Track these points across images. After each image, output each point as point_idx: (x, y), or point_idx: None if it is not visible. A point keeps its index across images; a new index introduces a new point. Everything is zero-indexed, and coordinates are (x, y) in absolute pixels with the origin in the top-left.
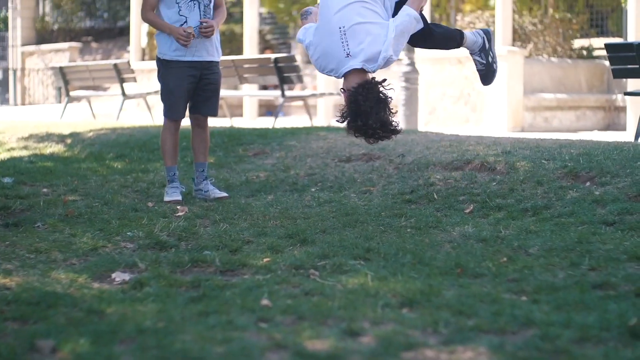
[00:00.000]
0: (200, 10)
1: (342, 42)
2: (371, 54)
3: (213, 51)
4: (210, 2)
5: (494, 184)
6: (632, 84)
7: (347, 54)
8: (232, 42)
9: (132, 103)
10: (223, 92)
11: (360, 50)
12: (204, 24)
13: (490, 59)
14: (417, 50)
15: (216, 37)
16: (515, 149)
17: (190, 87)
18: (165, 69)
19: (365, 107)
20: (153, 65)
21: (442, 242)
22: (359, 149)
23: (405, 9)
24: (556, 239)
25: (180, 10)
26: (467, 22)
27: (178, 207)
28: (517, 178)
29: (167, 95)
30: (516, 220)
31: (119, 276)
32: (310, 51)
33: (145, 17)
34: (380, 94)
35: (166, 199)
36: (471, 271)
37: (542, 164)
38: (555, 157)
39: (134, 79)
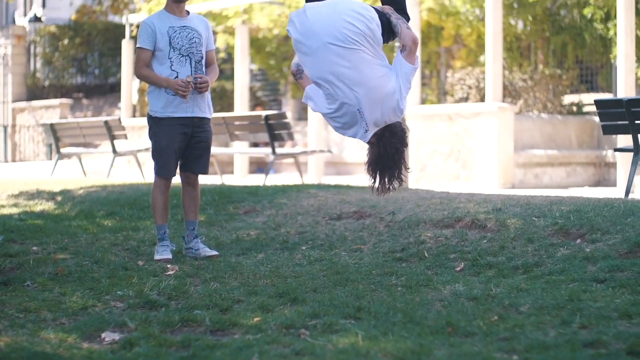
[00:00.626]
0: (191, 66)
1: (361, 121)
2: (388, 123)
3: (205, 108)
4: (201, 58)
5: (485, 241)
6: (622, 139)
7: (366, 130)
8: (223, 99)
9: (122, 160)
10: (214, 150)
11: (377, 125)
12: (199, 79)
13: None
14: (407, 106)
15: (208, 94)
16: (505, 206)
17: (182, 144)
18: (157, 126)
19: (396, 146)
20: (144, 122)
21: (433, 300)
22: (350, 207)
23: (406, 69)
24: (547, 297)
25: (172, 65)
26: (458, 79)
27: (168, 265)
28: (507, 235)
29: (158, 153)
30: (507, 278)
31: (108, 336)
32: (328, 120)
33: (139, 74)
34: (404, 134)
35: (156, 257)
36: (462, 330)
37: (532, 221)
38: (546, 214)
39: (125, 136)
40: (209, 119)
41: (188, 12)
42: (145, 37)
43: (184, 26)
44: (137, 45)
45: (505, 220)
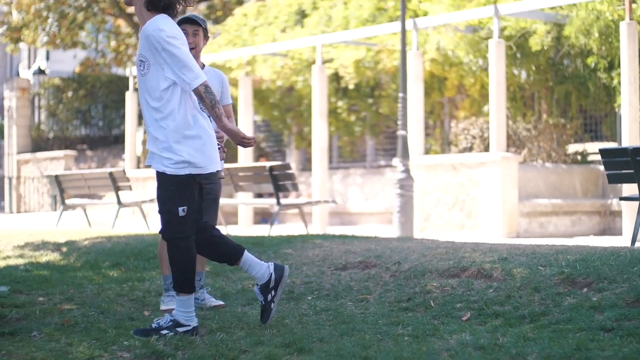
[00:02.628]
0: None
1: None
2: None
3: None
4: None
5: (491, 290)
6: (627, 188)
7: None
8: (227, 151)
9: (127, 211)
10: None
11: None
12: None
13: (269, 298)
14: (411, 156)
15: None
16: (511, 255)
17: None
18: None
19: None
20: (148, 173)
21: (439, 350)
22: (355, 257)
23: None
24: (554, 346)
25: None
26: (462, 129)
27: None
28: (514, 285)
29: None
30: (514, 328)
31: None
32: None
33: None
34: None
35: (163, 307)
36: None
37: (538, 270)
38: (552, 263)
39: (130, 187)
40: (219, 171)
41: (204, 65)
42: None
43: None
44: None
45: (511, 269)
